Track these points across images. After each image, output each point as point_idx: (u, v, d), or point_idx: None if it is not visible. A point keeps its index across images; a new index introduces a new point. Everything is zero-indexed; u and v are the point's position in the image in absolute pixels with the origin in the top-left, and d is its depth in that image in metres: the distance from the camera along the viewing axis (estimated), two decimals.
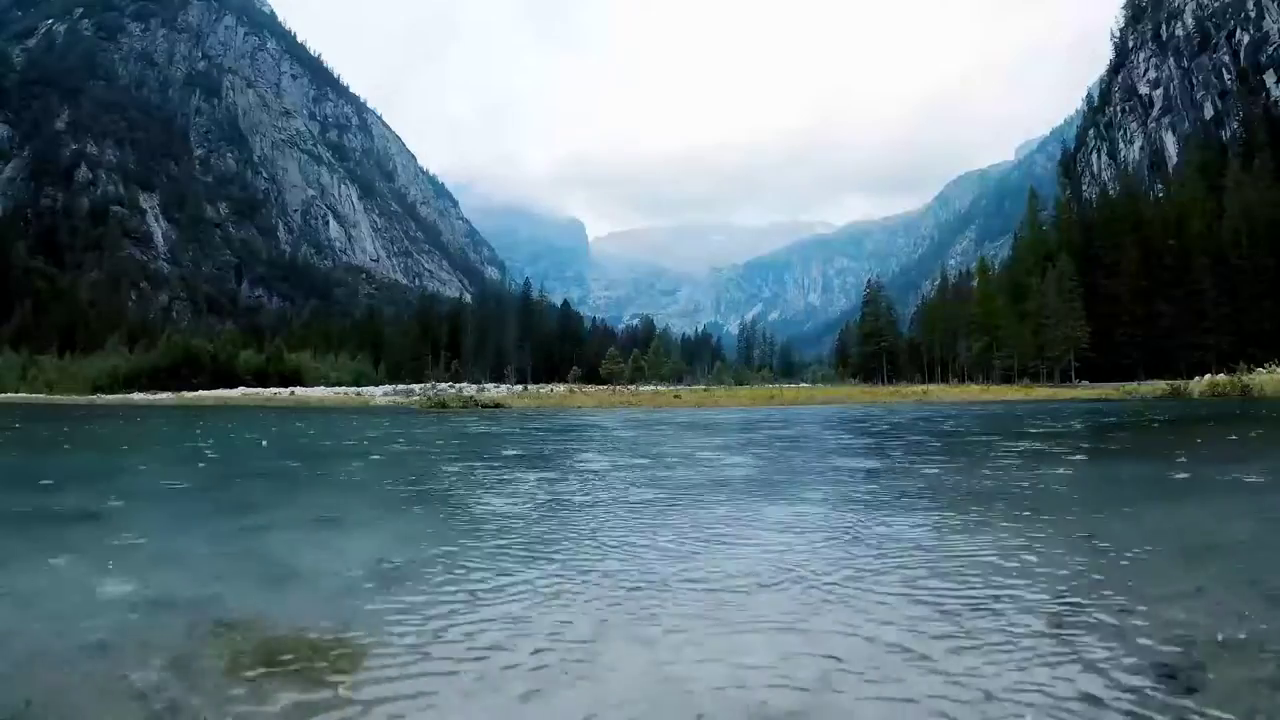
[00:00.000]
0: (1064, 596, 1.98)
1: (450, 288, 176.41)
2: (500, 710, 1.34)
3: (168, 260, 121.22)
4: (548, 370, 67.33)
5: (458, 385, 37.23)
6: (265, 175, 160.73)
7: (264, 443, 9.66)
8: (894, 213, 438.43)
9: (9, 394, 47.47)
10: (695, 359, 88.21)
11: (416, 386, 36.67)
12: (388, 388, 40.45)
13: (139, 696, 1.39)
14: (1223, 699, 1.32)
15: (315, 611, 1.90)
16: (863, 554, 2.54)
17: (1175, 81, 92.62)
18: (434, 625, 1.79)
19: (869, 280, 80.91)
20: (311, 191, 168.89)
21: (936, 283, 76.27)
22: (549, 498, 4.14)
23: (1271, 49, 79.70)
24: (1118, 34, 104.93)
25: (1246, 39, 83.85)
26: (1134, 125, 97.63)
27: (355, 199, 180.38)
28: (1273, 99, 76.78)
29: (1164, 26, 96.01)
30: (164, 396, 38.90)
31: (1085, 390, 32.98)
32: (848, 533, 2.93)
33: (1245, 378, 23.25)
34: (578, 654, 1.60)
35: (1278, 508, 3.53)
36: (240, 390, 42.12)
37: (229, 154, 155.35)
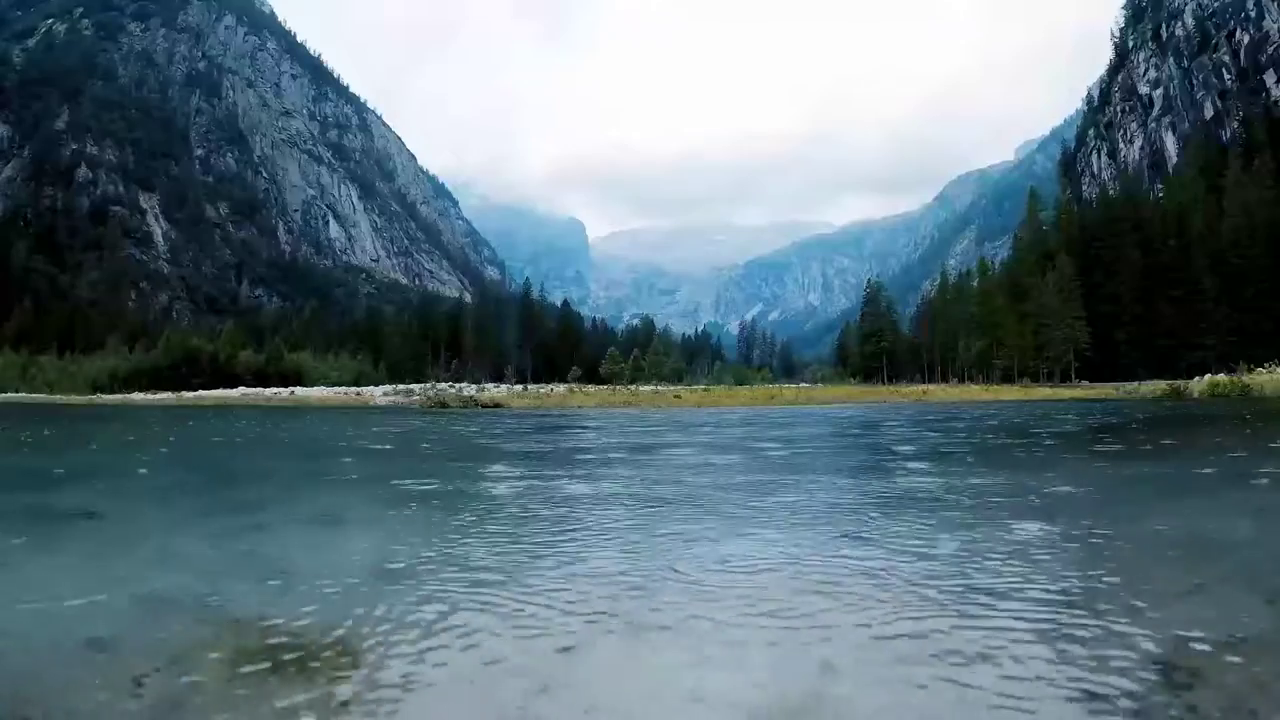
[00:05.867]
0: (1063, 594, 1.97)
1: (450, 288, 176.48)
2: (501, 710, 1.34)
3: (168, 260, 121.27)
4: (548, 370, 67.31)
5: (458, 385, 37.19)
6: (265, 175, 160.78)
7: (262, 443, 9.66)
8: (894, 213, 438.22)
9: (9, 394, 47.48)
10: (695, 359, 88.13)
11: (416, 386, 36.64)
12: (388, 387, 40.42)
13: (139, 696, 1.39)
14: (1223, 698, 1.32)
15: (315, 610, 1.90)
16: (861, 553, 2.53)
17: (1175, 81, 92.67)
18: (434, 624, 1.78)
19: (869, 280, 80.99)
20: (311, 191, 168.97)
21: (936, 283, 76.27)
22: (549, 497, 4.14)
23: (1271, 49, 79.73)
24: (1118, 34, 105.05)
25: (1246, 39, 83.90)
26: (1134, 125, 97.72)
27: (355, 199, 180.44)
28: (1273, 99, 76.81)
29: (1164, 26, 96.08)
30: (164, 396, 38.91)
31: (1085, 390, 33.01)
32: (846, 532, 2.93)
33: (1245, 378, 23.28)
34: (579, 654, 1.60)
35: (1278, 505, 3.52)
36: (240, 390, 42.10)
37: (229, 154, 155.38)
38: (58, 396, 45.67)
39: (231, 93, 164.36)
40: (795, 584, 2.15)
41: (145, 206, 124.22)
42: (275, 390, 41.00)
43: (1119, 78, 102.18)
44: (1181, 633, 1.64)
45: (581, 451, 7.52)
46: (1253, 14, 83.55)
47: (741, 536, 2.89)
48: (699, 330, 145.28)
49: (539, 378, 61.09)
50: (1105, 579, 2.14)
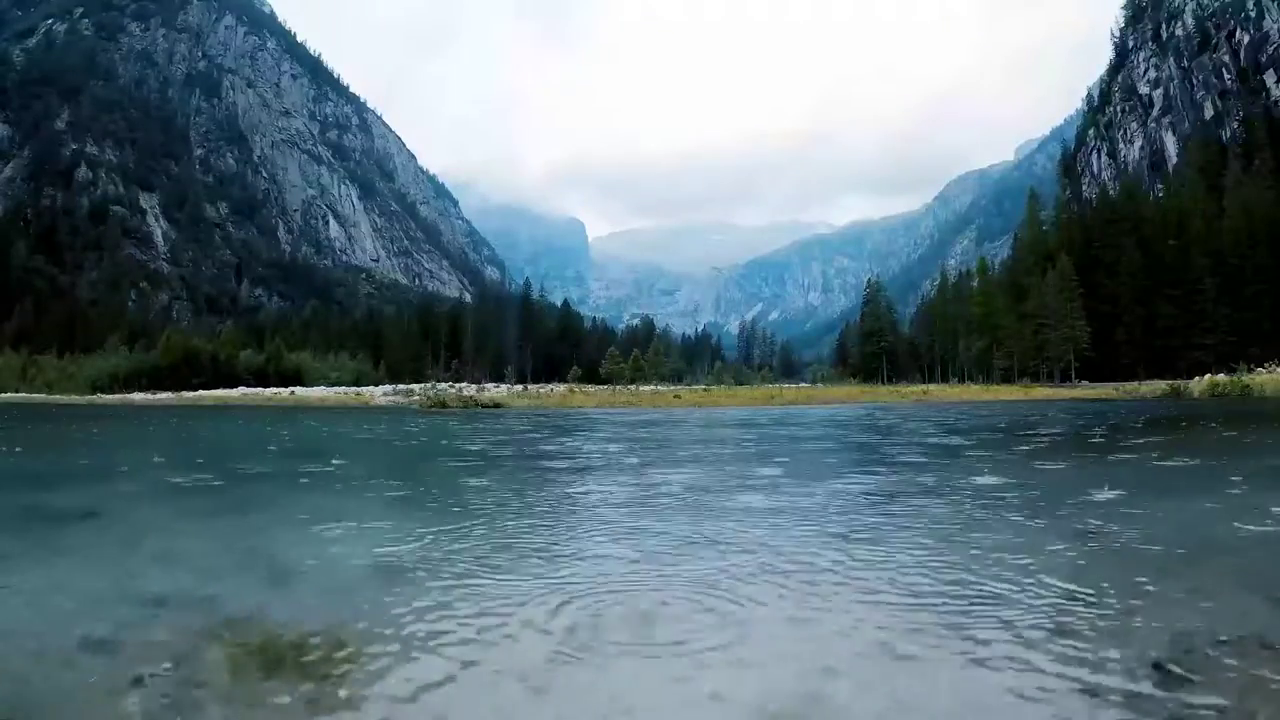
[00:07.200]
0: (1062, 594, 1.97)
1: (450, 288, 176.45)
2: (501, 710, 1.34)
3: (168, 260, 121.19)
4: (548, 370, 67.30)
5: (458, 385, 37.14)
6: (265, 175, 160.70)
7: (263, 443, 9.66)
8: (894, 213, 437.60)
9: (9, 394, 47.49)
10: (695, 359, 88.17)
11: (416, 386, 36.61)
12: (388, 387, 40.41)
13: (139, 696, 1.39)
14: (1223, 698, 1.32)
15: (315, 610, 1.90)
16: (862, 552, 2.53)
17: (1175, 81, 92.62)
18: (435, 625, 1.78)
19: (869, 280, 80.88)
20: (311, 191, 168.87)
21: (936, 283, 76.27)
22: (551, 497, 4.14)
23: (1271, 49, 79.70)
24: (1118, 34, 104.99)
25: (1246, 39, 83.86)
26: (1134, 125, 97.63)
27: (355, 199, 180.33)
28: (1273, 99, 76.77)
29: (1164, 26, 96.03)
30: (164, 396, 38.92)
31: (1085, 390, 32.99)
32: (846, 531, 2.93)
33: (1245, 378, 23.30)
34: (580, 654, 1.60)
35: (1277, 505, 3.52)
36: (240, 390, 42.13)
37: (229, 154, 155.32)
38: (57, 396, 45.68)
39: (231, 93, 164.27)
40: (797, 583, 2.15)
41: (145, 206, 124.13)
42: (275, 390, 41.03)
43: (1119, 78, 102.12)
44: (1181, 633, 1.64)
45: (581, 452, 7.51)
46: (1253, 14, 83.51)
47: (743, 536, 2.89)
48: (699, 330, 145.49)
49: (539, 378, 61.06)
50: (1105, 578, 2.13)
